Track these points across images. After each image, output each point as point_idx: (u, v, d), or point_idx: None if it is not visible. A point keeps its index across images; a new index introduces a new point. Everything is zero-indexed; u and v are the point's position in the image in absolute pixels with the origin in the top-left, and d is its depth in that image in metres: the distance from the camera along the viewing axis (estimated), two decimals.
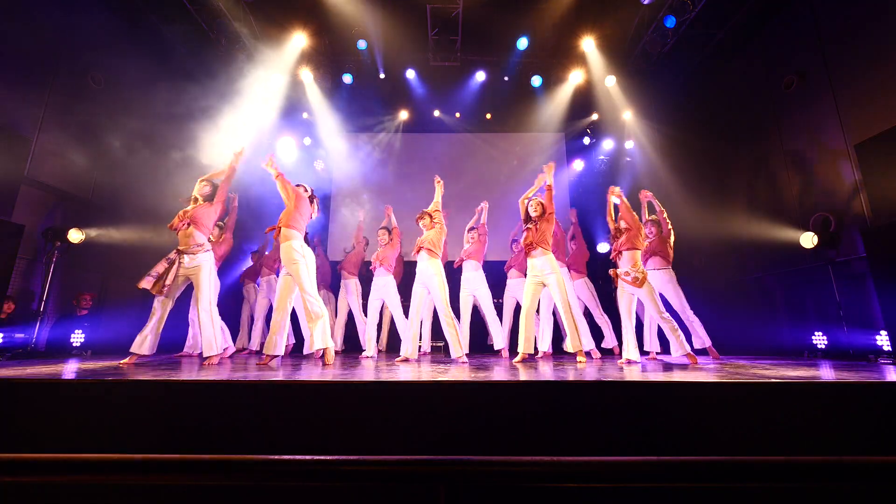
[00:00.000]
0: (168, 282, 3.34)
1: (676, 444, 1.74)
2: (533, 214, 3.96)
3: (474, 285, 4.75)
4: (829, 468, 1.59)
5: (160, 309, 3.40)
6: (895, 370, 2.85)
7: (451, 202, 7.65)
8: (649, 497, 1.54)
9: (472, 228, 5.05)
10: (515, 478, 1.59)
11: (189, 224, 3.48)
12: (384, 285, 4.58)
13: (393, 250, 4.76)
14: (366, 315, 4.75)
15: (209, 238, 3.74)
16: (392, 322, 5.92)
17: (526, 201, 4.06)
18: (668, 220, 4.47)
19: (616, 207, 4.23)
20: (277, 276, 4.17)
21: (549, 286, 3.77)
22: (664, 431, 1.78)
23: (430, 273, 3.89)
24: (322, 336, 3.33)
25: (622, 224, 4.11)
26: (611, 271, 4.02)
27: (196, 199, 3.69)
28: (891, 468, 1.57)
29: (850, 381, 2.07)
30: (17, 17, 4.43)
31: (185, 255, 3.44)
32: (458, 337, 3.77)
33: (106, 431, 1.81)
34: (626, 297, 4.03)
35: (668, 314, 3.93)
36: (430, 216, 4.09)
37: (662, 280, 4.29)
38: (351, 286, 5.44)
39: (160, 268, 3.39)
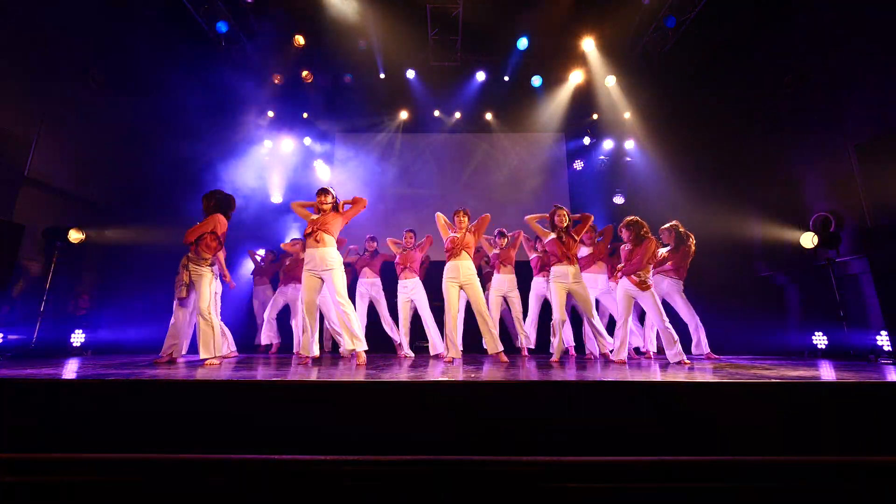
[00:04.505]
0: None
1: (676, 444, 1.74)
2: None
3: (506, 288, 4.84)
4: (829, 468, 1.59)
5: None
6: (895, 370, 2.85)
7: (450, 202, 7.65)
8: (649, 497, 1.54)
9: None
10: (515, 478, 1.59)
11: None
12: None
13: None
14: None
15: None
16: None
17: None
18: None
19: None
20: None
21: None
22: (664, 431, 1.78)
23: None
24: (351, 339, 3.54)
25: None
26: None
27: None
28: (891, 468, 1.57)
29: (850, 381, 2.07)
30: (17, 17, 4.43)
31: None
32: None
33: (106, 431, 1.81)
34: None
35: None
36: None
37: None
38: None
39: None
